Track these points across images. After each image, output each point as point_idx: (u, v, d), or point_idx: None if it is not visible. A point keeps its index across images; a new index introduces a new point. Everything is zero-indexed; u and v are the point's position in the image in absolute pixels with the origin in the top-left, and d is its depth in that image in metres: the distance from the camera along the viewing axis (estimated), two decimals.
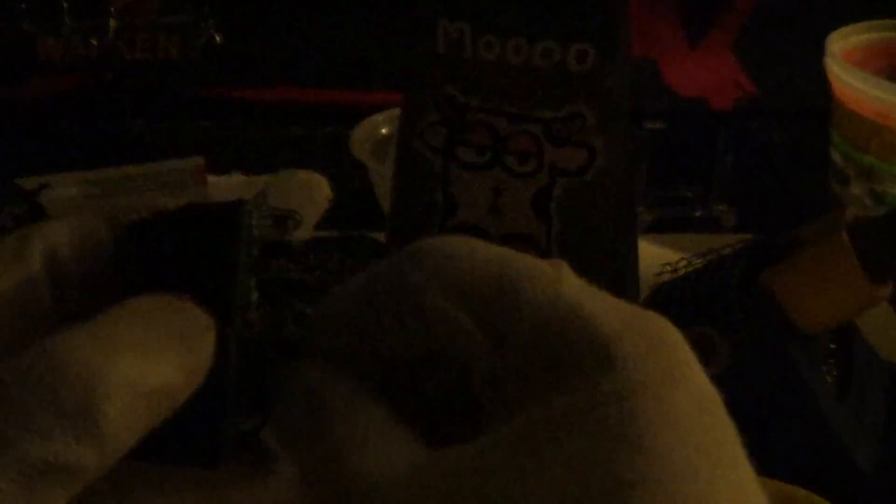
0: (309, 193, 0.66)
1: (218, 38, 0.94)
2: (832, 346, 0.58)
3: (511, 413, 0.23)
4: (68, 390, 0.24)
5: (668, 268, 0.62)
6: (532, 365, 0.24)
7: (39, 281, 0.28)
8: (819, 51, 0.75)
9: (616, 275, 0.62)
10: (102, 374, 0.24)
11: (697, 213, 0.82)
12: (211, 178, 0.63)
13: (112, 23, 0.93)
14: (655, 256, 0.66)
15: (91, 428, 0.24)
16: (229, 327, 0.29)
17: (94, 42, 0.93)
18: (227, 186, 0.66)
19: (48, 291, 0.28)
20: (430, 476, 0.24)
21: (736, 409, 0.24)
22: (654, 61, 0.97)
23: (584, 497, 0.21)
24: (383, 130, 0.80)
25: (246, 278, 0.30)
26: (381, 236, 0.65)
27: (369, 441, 0.26)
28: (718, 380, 0.24)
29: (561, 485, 0.21)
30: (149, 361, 0.25)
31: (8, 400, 0.23)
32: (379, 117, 0.81)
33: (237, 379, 0.29)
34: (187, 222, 0.30)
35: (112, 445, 0.24)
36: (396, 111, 0.68)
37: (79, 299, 0.29)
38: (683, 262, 0.61)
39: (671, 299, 0.57)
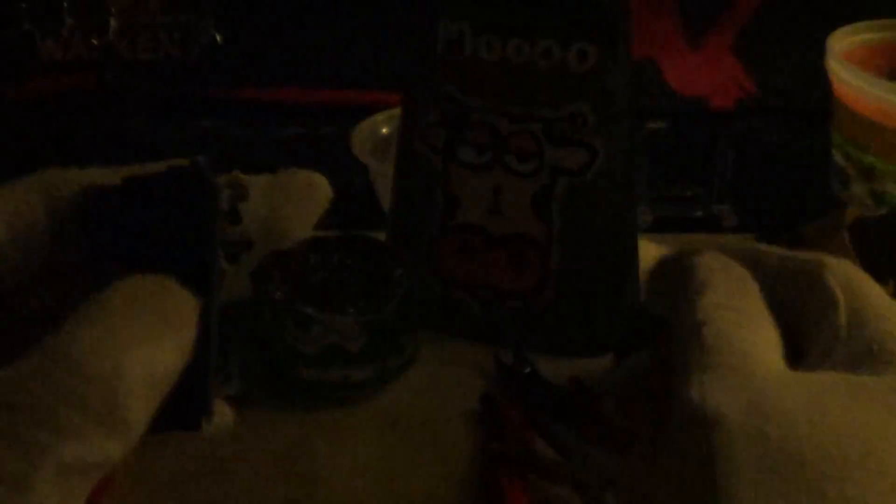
0: (309, 193, 0.66)
1: (218, 38, 0.94)
2: None
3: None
4: (94, 392, 0.26)
5: None
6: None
7: None
8: (820, 50, 0.75)
9: (616, 274, 0.62)
10: (122, 372, 0.26)
11: (698, 213, 0.82)
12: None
13: (112, 22, 0.93)
14: (656, 256, 0.66)
15: (118, 424, 0.26)
16: (211, 306, 0.30)
17: (95, 42, 0.93)
18: None
19: None
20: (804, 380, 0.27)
21: None
22: (654, 61, 0.97)
23: None
24: (384, 130, 0.80)
25: (218, 252, 0.31)
26: (381, 236, 0.65)
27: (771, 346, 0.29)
28: None
29: None
30: (154, 350, 0.27)
31: (37, 406, 0.25)
32: (379, 117, 0.81)
33: (217, 348, 0.31)
34: (160, 194, 0.31)
35: (135, 434, 0.27)
36: (397, 111, 0.68)
37: (14, 274, 0.30)
38: None
39: None
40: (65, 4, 0.92)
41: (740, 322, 0.28)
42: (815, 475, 0.25)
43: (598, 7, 0.57)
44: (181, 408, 0.29)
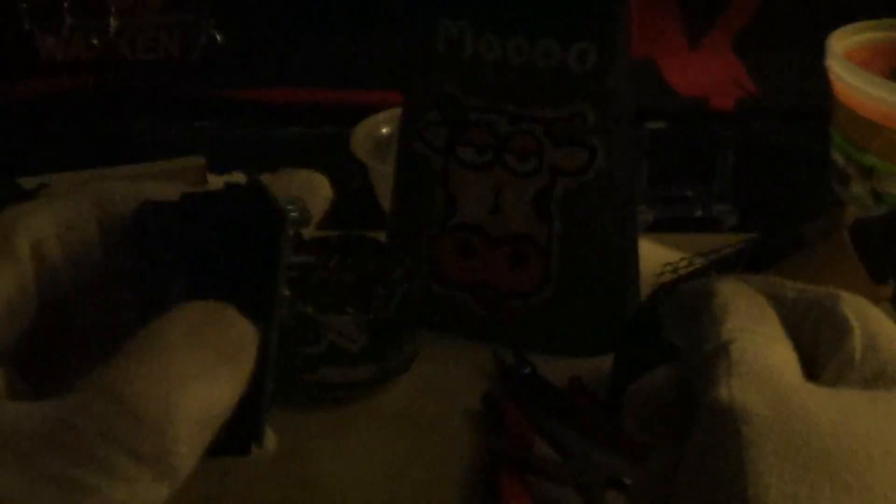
0: (309, 193, 0.66)
1: (219, 38, 0.94)
2: None
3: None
4: (144, 436, 0.25)
5: (669, 267, 0.62)
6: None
7: (28, 276, 0.29)
8: (820, 50, 0.75)
9: (616, 274, 0.62)
10: (173, 416, 0.26)
11: (698, 213, 0.82)
12: (211, 178, 0.63)
13: (113, 22, 0.93)
14: (656, 256, 0.66)
15: (167, 469, 0.26)
16: (271, 333, 0.29)
17: (95, 42, 0.93)
18: None
19: (34, 284, 0.29)
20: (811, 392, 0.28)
21: None
22: (654, 61, 0.97)
23: None
24: (384, 130, 0.80)
25: (283, 282, 0.30)
26: (381, 236, 0.65)
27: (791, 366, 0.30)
28: None
29: None
30: (209, 387, 0.27)
31: (86, 448, 0.25)
32: (379, 117, 0.81)
33: (273, 377, 0.30)
34: (222, 213, 0.30)
35: (182, 476, 0.27)
36: (397, 111, 0.68)
37: (62, 284, 0.30)
38: (684, 262, 0.61)
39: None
40: (65, 4, 0.92)
41: (763, 343, 0.30)
42: (839, 467, 0.26)
43: (599, 7, 0.57)
44: (233, 435, 0.28)
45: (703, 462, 0.27)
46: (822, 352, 0.31)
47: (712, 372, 0.29)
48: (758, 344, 0.29)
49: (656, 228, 0.78)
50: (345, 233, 0.63)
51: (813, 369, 0.30)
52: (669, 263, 0.62)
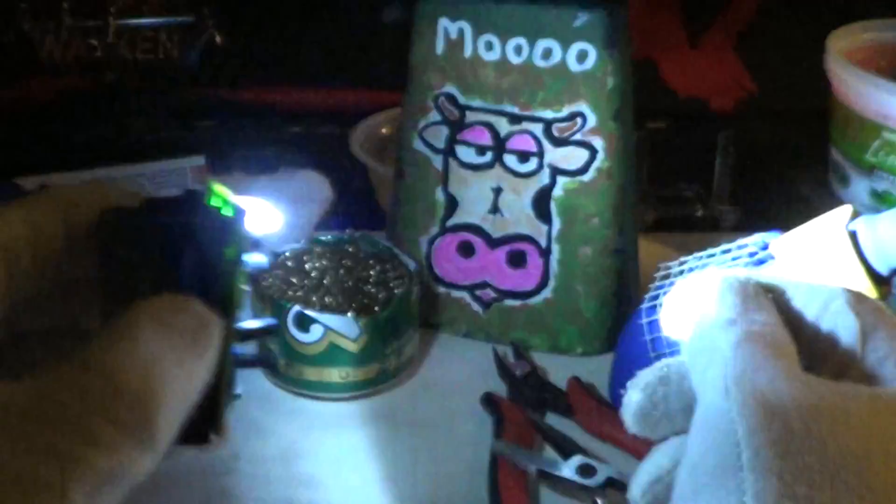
0: (309, 193, 0.66)
1: (218, 39, 0.94)
2: None
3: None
4: (127, 406, 0.27)
5: (669, 267, 0.62)
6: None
7: (0, 278, 0.30)
8: (820, 50, 0.75)
9: (616, 274, 0.62)
10: (152, 388, 0.27)
11: (698, 213, 0.82)
12: (211, 178, 0.63)
13: (112, 23, 0.93)
14: (656, 256, 0.66)
15: (149, 437, 0.27)
16: (231, 327, 0.31)
17: (95, 42, 0.93)
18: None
19: (5, 285, 0.30)
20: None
21: None
22: (654, 61, 0.97)
23: None
24: (383, 130, 0.80)
25: (239, 279, 0.32)
26: (381, 236, 0.65)
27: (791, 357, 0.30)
28: None
29: None
30: (181, 369, 0.28)
31: (71, 418, 0.26)
32: (379, 117, 0.81)
33: (233, 370, 0.32)
34: (181, 217, 0.31)
35: (163, 448, 0.28)
36: (397, 111, 0.68)
37: (29, 286, 0.31)
38: (684, 262, 0.61)
39: None
40: (65, 5, 0.92)
41: (760, 334, 0.30)
42: (839, 466, 0.26)
43: (599, 7, 0.57)
44: (194, 424, 0.29)
45: (701, 461, 0.27)
46: (822, 347, 0.31)
47: (708, 368, 0.29)
48: (755, 336, 0.29)
49: (656, 228, 0.78)
50: (345, 233, 0.63)
51: (813, 364, 0.30)
52: (669, 263, 0.62)
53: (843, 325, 0.30)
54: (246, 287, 0.35)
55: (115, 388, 0.27)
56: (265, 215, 0.65)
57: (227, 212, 0.32)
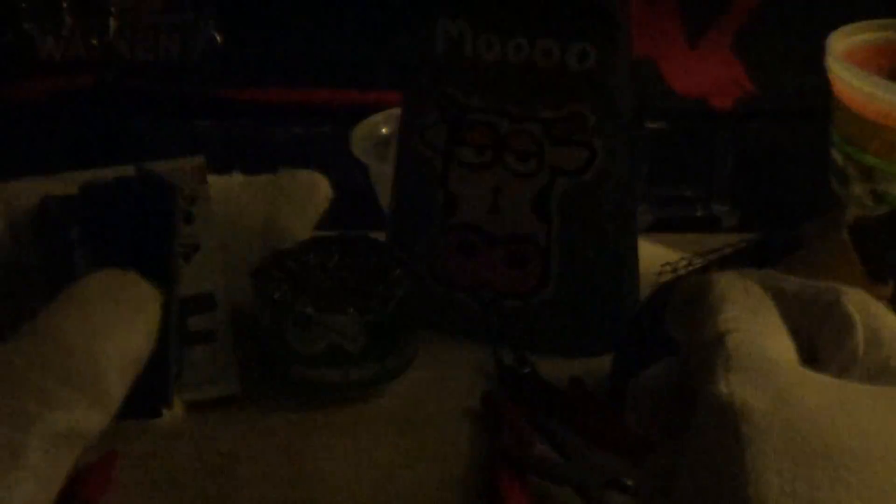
0: (309, 193, 0.66)
1: (218, 38, 0.94)
2: None
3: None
4: (78, 365, 0.28)
5: (669, 267, 0.62)
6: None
7: None
8: (820, 50, 0.75)
9: (616, 274, 0.62)
10: (101, 348, 0.29)
11: (698, 213, 0.82)
12: (211, 178, 0.63)
13: (113, 23, 0.93)
14: (656, 256, 0.66)
15: (101, 395, 0.28)
16: (171, 301, 0.34)
17: (95, 42, 0.93)
18: (227, 186, 0.66)
19: None
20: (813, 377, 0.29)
21: None
22: (654, 61, 0.97)
23: None
24: (384, 130, 0.80)
25: (176, 249, 0.35)
26: (381, 236, 0.65)
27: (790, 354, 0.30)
28: None
29: None
30: (128, 332, 0.30)
31: (24, 379, 0.27)
32: (379, 117, 0.81)
33: (177, 341, 0.35)
34: (119, 198, 0.34)
35: (114, 406, 0.29)
36: (397, 111, 0.68)
37: None
38: (684, 262, 0.61)
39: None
40: (65, 4, 0.92)
41: (761, 332, 0.30)
42: (839, 464, 0.26)
43: (599, 7, 0.57)
44: (144, 395, 0.31)
45: (702, 459, 0.27)
46: (823, 347, 0.31)
47: (709, 365, 0.29)
48: (754, 334, 0.29)
49: (656, 228, 0.78)
50: (345, 233, 0.63)
51: (815, 365, 0.30)
52: (669, 263, 0.62)
53: (844, 326, 0.30)
54: (182, 264, 0.37)
55: (65, 349, 0.28)
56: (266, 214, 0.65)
57: (160, 192, 0.34)
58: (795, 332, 0.31)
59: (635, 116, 0.61)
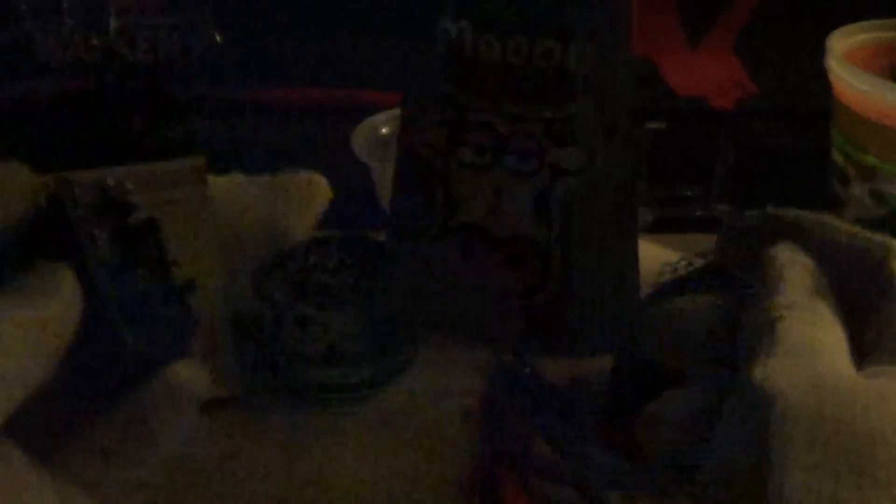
0: (309, 193, 0.66)
1: (218, 38, 0.94)
2: None
3: None
4: None
5: (669, 268, 0.62)
6: None
7: None
8: (820, 50, 0.75)
9: (616, 275, 0.62)
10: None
11: (698, 213, 0.82)
12: (211, 178, 0.63)
13: (113, 23, 0.93)
14: (656, 256, 0.66)
15: None
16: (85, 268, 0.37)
17: (95, 42, 0.93)
18: (227, 186, 0.66)
19: None
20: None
21: None
22: (654, 61, 0.97)
23: None
24: (384, 130, 0.80)
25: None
26: (381, 236, 0.65)
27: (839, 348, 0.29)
28: None
29: None
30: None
31: None
32: (379, 117, 0.81)
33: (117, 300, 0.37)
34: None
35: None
36: (397, 111, 0.68)
37: None
38: (684, 262, 0.61)
39: (672, 299, 0.56)
40: (65, 5, 0.92)
41: (813, 322, 0.29)
42: (869, 459, 0.25)
43: (599, 7, 0.57)
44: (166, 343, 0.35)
45: (731, 437, 0.27)
46: (866, 306, 0.30)
47: (756, 346, 0.28)
48: (806, 324, 0.29)
49: (656, 229, 0.78)
50: (344, 233, 0.63)
51: (855, 324, 0.29)
52: (669, 263, 0.62)
53: (886, 289, 0.30)
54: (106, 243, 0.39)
55: None
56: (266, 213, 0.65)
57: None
58: (842, 288, 0.30)
59: (635, 116, 0.61)
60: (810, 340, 0.28)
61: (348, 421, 0.58)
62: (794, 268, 0.31)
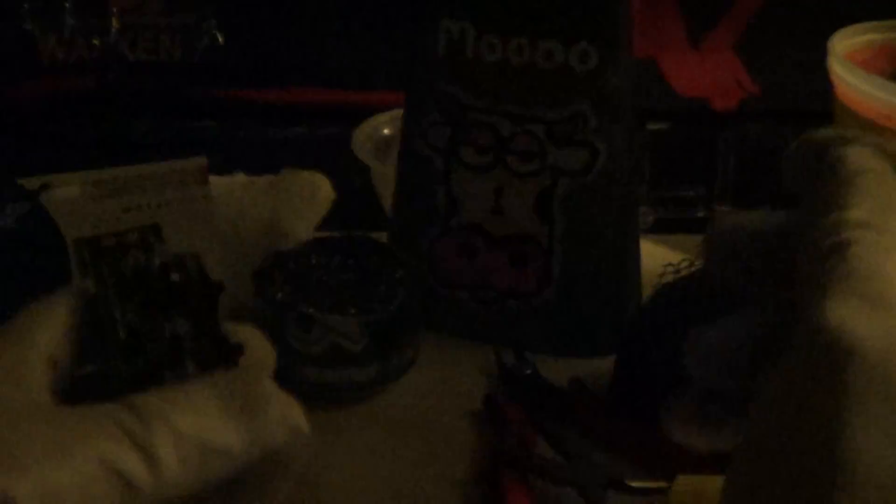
0: (311, 194, 0.66)
1: (220, 39, 0.94)
2: None
3: None
4: None
5: (671, 268, 0.61)
6: None
7: None
8: (822, 51, 0.75)
9: (618, 275, 0.62)
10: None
11: (700, 214, 0.82)
12: (213, 178, 0.63)
13: (113, 23, 0.93)
14: (657, 257, 0.66)
15: None
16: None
17: (96, 42, 0.93)
18: (229, 186, 0.66)
19: None
20: None
21: None
22: (655, 61, 0.97)
23: None
24: (385, 131, 0.80)
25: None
26: (383, 236, 0.65)
27: None
28: None
29: None
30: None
31: None
32: (381, 117, 0.81)
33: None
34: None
35: None
36: (398, 111, 0.68)
37: None
38: (685, 263, 0.61)
39: (673, 300, 0.56)
40: (66, 5, 0.92)
41: (889, 248, 0.24)
42: None
43: (600, 7, 0.57)
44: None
45: (791, 395, 0.22)
46: None
47: (822, 280, 0.23)
48: (883, 249, 0.24)
49: (657, 229, 0.78)
50: (346, 233, 0.63)
51: None
52: (671, 264, 0.62)
53: None
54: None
55: None
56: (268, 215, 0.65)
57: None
58: None
59: (637, 117, 0.61)
60: (889, 272, 0.23)
61: (349, 420, 0.58)
62: (867, 176, 0.25)
